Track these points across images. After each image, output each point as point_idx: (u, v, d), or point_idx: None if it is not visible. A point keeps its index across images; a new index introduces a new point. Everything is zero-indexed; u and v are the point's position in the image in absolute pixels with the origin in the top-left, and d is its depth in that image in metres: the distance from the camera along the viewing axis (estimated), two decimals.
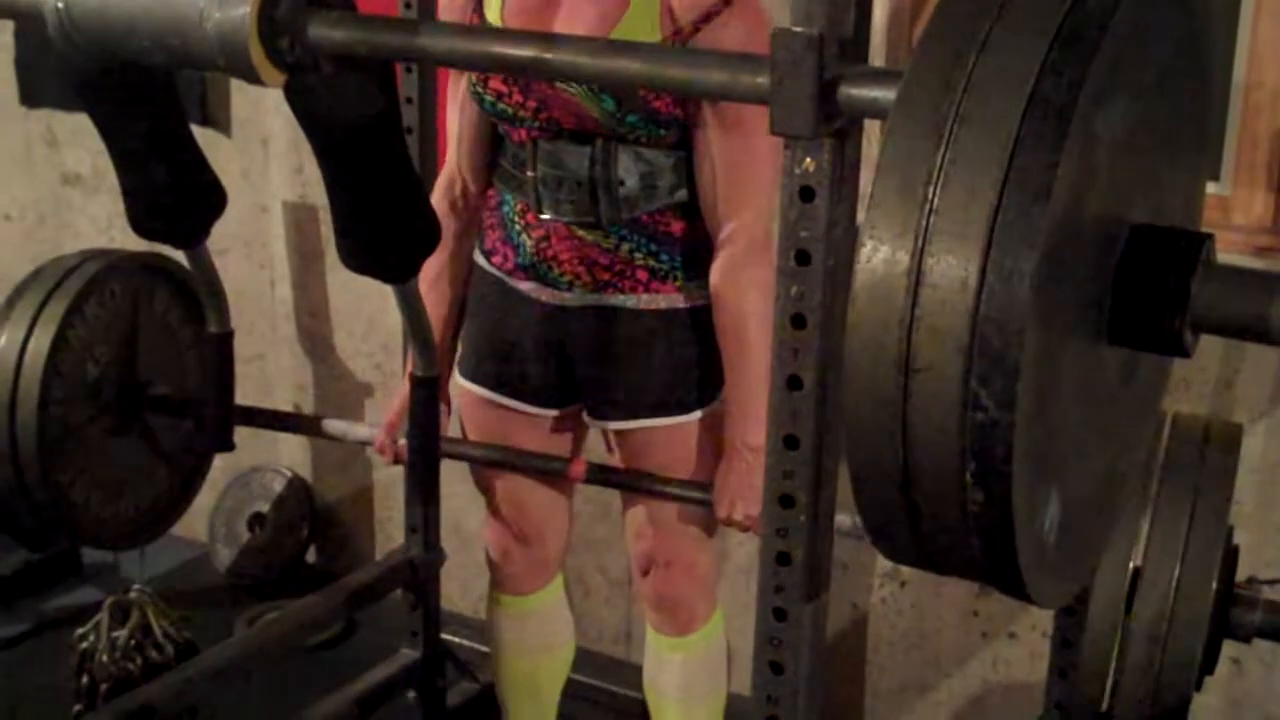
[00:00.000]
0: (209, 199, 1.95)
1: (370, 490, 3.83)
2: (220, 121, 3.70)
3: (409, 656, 3.10)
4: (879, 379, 1.17)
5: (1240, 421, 1.98)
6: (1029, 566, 1.22)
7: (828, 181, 1.44)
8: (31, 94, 3.91)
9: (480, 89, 2.17)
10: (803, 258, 1.48)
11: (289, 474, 3.83)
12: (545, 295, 2.32)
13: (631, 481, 2.41)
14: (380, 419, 3.67)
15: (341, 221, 1.79)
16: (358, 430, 2.71)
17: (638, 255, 2.23)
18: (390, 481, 3.72)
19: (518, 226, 2.27)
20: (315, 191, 3.64)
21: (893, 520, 1.24)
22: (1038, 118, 1.12)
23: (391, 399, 2.64)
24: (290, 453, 3.87)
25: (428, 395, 1.99)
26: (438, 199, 2.35)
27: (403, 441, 2.52)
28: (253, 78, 1.63)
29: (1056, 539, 1.28)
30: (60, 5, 1.70)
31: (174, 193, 1.88)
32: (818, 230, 1.46)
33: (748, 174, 2.15)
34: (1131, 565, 1.85)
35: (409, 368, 2.45)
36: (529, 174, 2.21)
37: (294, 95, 1.66)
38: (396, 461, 2.57)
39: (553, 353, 2.36)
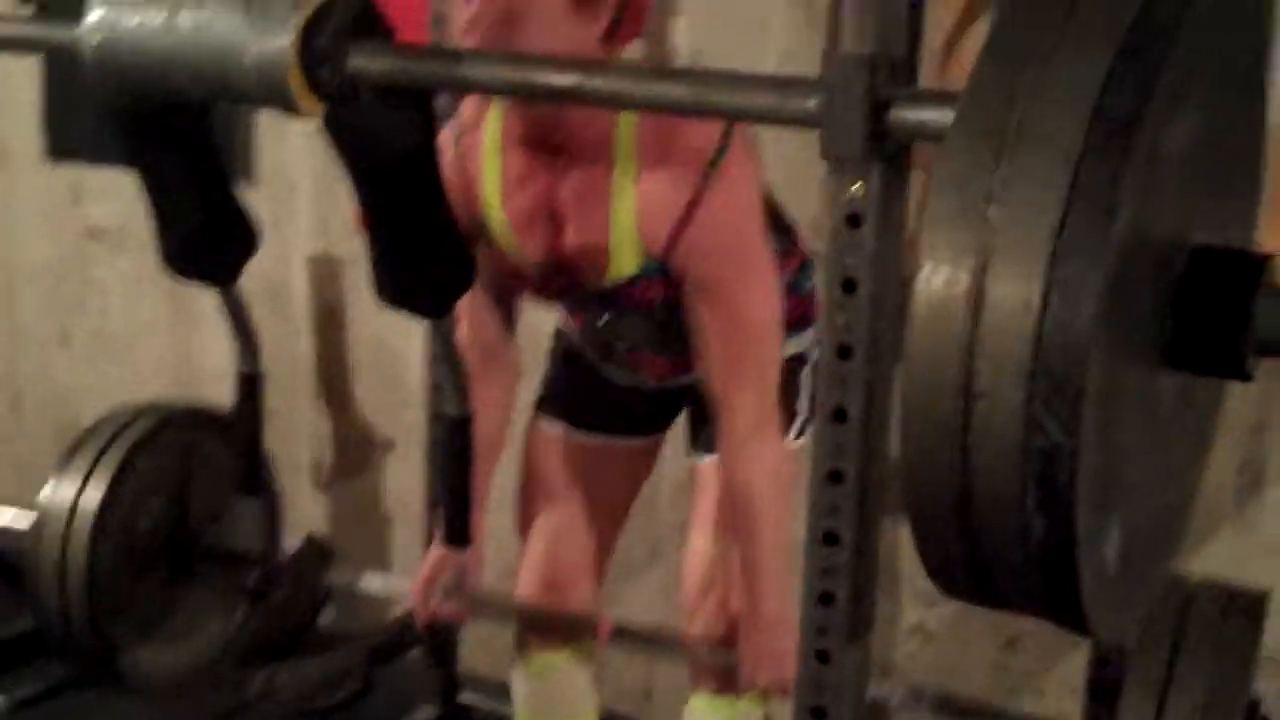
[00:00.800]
0: (243, 238, 1.93)
1: (389, 549, 3.80)
2: (246, 172, 3.70)
3: (427, 717, 3.06)
4: (938, 405, 1.14)
5: (1266, 589, 1.90)
6: (1091, 597, 1.18)
7: (875, 208, 1.41)
8: (58, 148, 3.91)
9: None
10: (849, 286, 1.44)
11: (306, 532, 3.78)
12: (625, 380, 2.40)
13: (658, 642, 2.42)
14: (400, 480, 3.70)
15: (377, 253, 1.77)
16: (393, 584, 2.72)
17: None
18: (410, 542, 3.69)
19: (578, 338, 2.35)
20: (339, 244, 3.64)
21: (950, 552, 1.21)
22: (1102, 132, 1.10)
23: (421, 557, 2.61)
24: (306, 507, 3.83)
25: (461, 438, 1.96)
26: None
27: (435, 601, 2.49)
28: (291, 109, 1.61)
29: (1117, 569, 1.24)
30: (97, 42, 1.68)
31: (208, 231, 1.87)
32: (864, 258, 1.43)
33: (744, 353, 2.09)
34: None
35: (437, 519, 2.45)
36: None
37: (333, 126, 1.64)
38: (434, 622, 2.55)
39: (652, 395, 2.41)
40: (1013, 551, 1.16)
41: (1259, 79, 1.40)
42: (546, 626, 2.56)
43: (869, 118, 1.35)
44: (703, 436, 2.38)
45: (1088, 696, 2.36)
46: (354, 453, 3.76)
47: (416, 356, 3.52)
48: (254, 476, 2.22)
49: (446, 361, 1.88)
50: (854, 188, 1.41)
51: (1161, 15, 1.11)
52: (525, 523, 2.53)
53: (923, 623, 3.17)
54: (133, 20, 1.66)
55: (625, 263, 2.02)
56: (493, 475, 2.48)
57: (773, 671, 2.22)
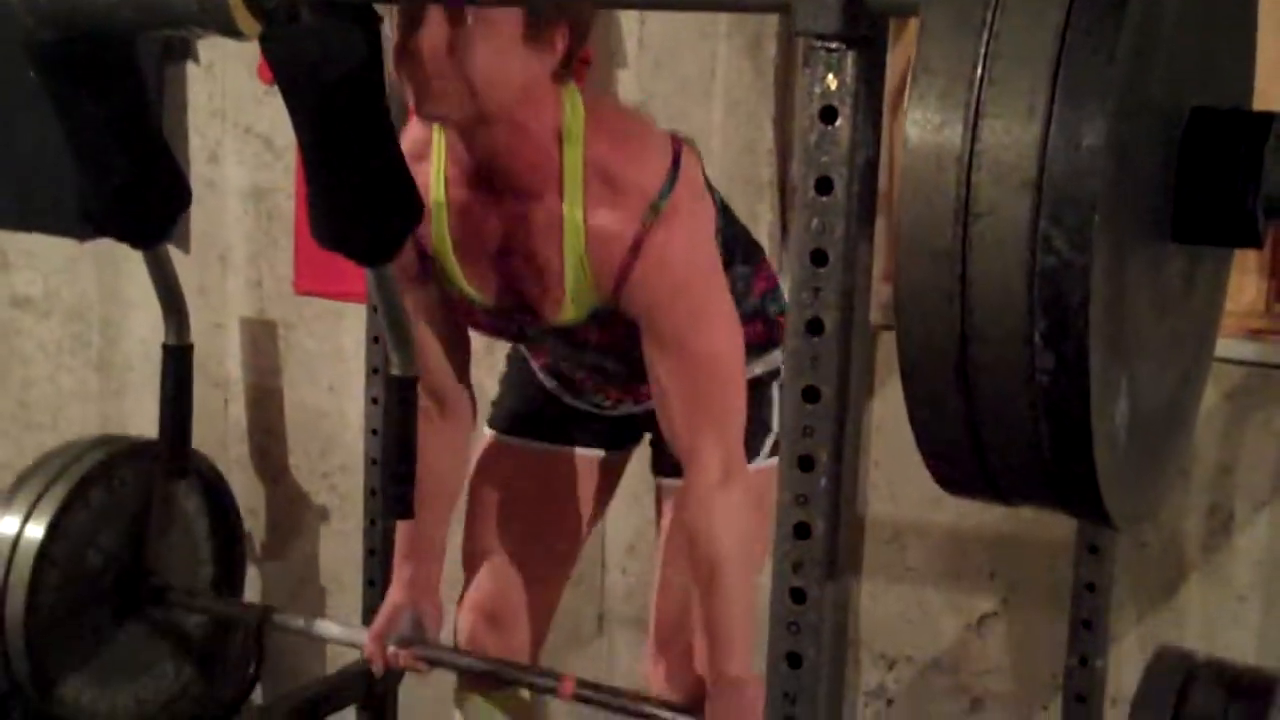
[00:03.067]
0: (173, 192, 1.82)
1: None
2: (178, 237, 3.59)
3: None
4: (934, 231, 1.04)
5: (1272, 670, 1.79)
6: (1104, 463, 1.08)
7: (851, 99, 1.33)
8: None
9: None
10: (824, 186, 1.35)
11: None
12: (585, 406, 2.30)
13: (624, 703, 2.28)
14: (335, 551, 3.54)
15: (316, 189, 1.66)
16: (349, 634, 2.58)
17: None
18: (347, 614, 3.52)
19: (539, 369, 2.28)
20: (274, 306, 3.53)
21: (946, 412, 1.10)
22: None
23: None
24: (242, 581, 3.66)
25: (406, 398, 1.84)
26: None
27: (392, 649, 2.37)
28: (229, 29, 1.52)
29: (1127, 442, 1.14)
30: None
31: (134, 183, 1.75)
32: (840, 154, 1.33)
33: (702, 400, 1.98)
34: None
35: (401, 560, 2.35)
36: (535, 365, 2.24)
37: (272, 46, 1.55)
38: (388, 669, 2.42)
39: (603, 426, 2.34)
40: (1017, 402, 1.06)
41: None
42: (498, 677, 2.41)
43: None
44: (668, 458, 2.26)
45: None
46: (288, 523, 3.60)
47: (354, 422, 3.40)
48: (176, 457, 2.07)
49: (389, 316, 1.76)
50: (827, 79, 1.33)
51: None
52: (469, 547, 2.40)
53: (882, 686, 3.04)
54: None
55: (582, 302, 1.94)
56: (448, 523, 2.36)
57: None
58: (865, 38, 1.32)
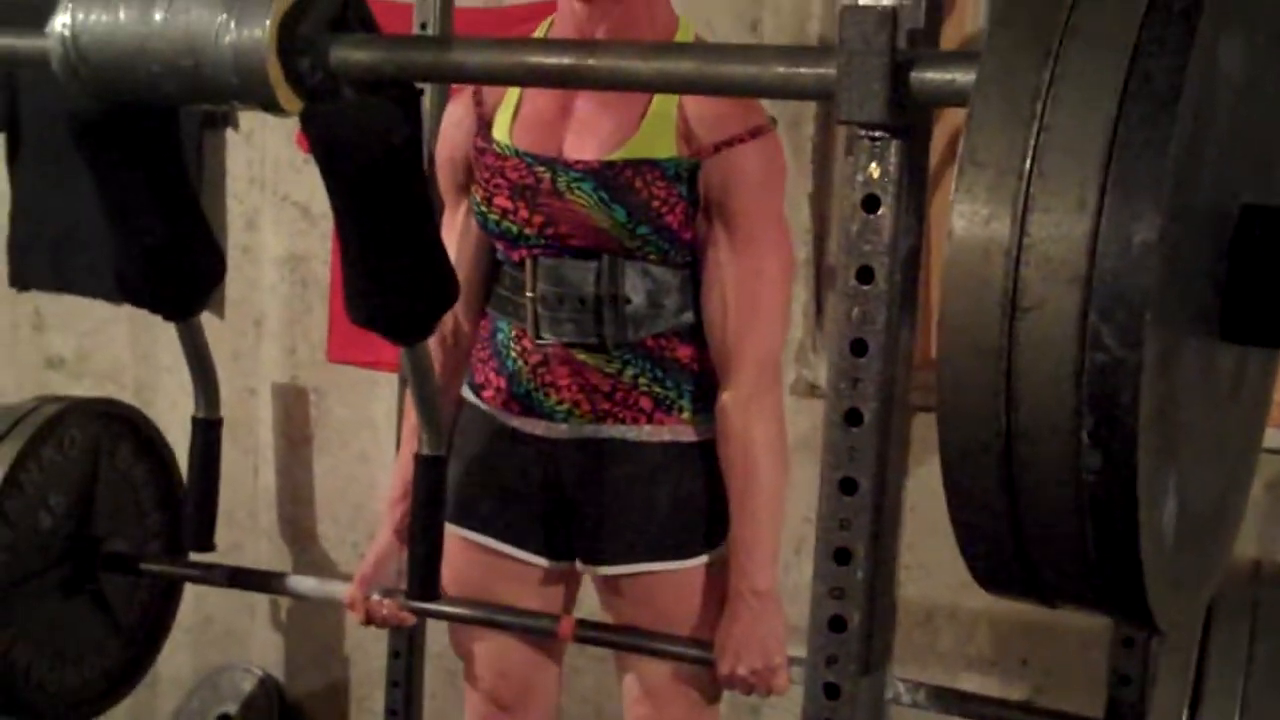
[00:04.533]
0: (208, 264, 1.81)
1: (346, 686, 3.60)
2: (214, 303, 3.60)
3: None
4: (980, 325, 1.02)
5: None
6: (1150, 565, 1.05)
7: (894, 188, 1.31)
8: (21, 275, 3.82)
9: (484, 207, 2.07)
10: (865, 275, 1.33)
11: (259, 673, 3.59)
12: (539, 429, 2.15)
13: (625, 640, 2.20)
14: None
15: (353, 267, 1.65)
16: (329, 587, 2.50)
17: (641, 381, 2.08)
18: (368, 678, 3.49)
19: (513, 353, 2.12)
20: (307, 373, 3.52)
21: (988, 510, 1.07)
22: (1158, 23, 1.00)
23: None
24: (262, 650, 3.64)
25: (434, 479, 1.82)
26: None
27: (375, 598, 2.31)
28: (270, 104, 1.51)
29: (1175, 543, 1.11)
30: (67, 32, 1.59)
31: (170, 253, 1.74)
32: (882, 244, 1.32)
33: (759, 298, 2.05)
34: None
35: (393, 502, 2.28)
36: (528, 295, 2.08)
37: (313, 123, 1.54)
38: (368, 621, 2.36)
39: (548, 494, 2.18)
40: (1062, 500, 1.03)
41: None
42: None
43: (890, 77, 1.26)
44: (602, 540, 2.18)
45: None
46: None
47: (383, 491, 3.38)
48: (203, 532, 2.05)
49: (420, 394, 1.75)
50: (870, 167, 1.32)
51: None
52: (459, 642, 2.35)
53: None
54: (104, 16, 1.58)
55: (652, 144, 2.00)
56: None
57: (758, 658, 2.05)
58: (909, 127, 1.31)
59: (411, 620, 2.33)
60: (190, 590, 2.88)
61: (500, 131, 2.07)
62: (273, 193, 3.46)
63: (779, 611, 2.08)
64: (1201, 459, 1.17)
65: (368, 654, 3.50)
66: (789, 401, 2.53)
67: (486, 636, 2.29)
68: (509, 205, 2.05)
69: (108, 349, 3.76)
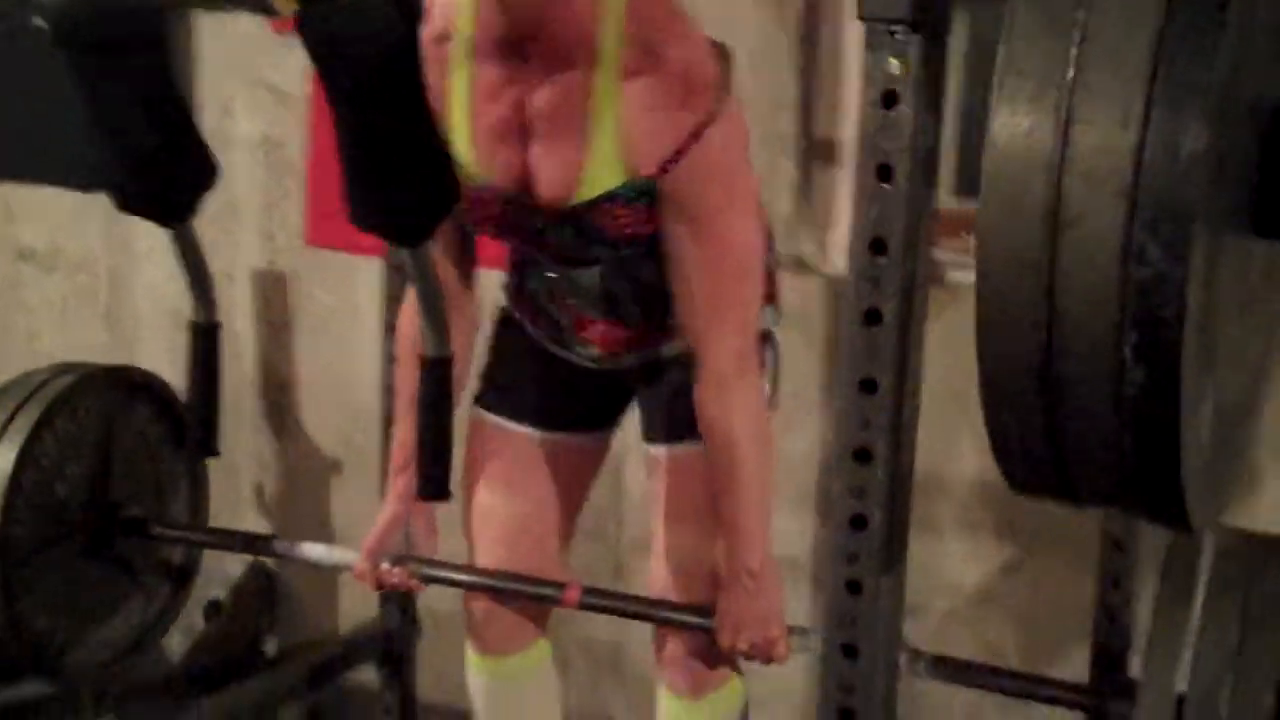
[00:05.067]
0: (199, 169, 1.78)
1: (335, 579, 3.60)
2: None
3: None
4: (1021, 238, 1.01)
5: None
6: (1188, 470, 1.05)
7: (914, 85, 1.29)
8: None
9: (471, 227, 2.05)
10: (884, 174, 1.32)
11: (249, 558, 3.59)
12: (582, 361, 2.20)
13: (629, 607, 2.26)
14: (347, 502, 3.52)
15: (352, 170, 1.61)
16: (336, 554, 2.50)
17: (668, 323, 2.10)
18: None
19: (547, 305, 2.16)
20: (285, 258, 3.47)
21: (1027, 422, 1.07)
22: None
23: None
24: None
25: (441, 380, 1.81)
26: (407, 318, 2.18)
27: (385, 566, 2.32)
28: (265, 7, 1.47)
29: (1210, 448, 1.11)
30: None
31: (160, 159, 1.71)
32: (902, 141, 1.31)
33: (728, 288, 1.99)
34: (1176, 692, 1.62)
35: (396, 470, 2.27)
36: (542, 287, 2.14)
37: (309, 24, 1.50)
38: (380, 588, 2.37)
39: (599, 382, 2.23)
40: (1102, 411, 1.03)
41: None
42: (501, 626, 2.38)
43: None
44: (657, 425, 2.23)
45: None
46: (300, 477, 3.57)
47: (367, 377, 3.36)
48: (206, 438, 2.04)
49: (425, 298, 1.73)
50: (890, 62, 1.29)
51: None
52: (469, 519, 2.37)
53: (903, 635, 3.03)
54: None
55: (601, 179, 1.90)
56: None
57: (756, 632, 2.07)
58: (931, 22, 1.28)
59: (422, 588, 2.33)
60: None
61: (461, 142, 1.98)
62: (245, 76, 3.38)
63: (776, 586, 2.10)
64: (1234, 360, 1.17)
65: (357, 538, 3.51)
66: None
67: (498, 519, 2.29)
68: (498, 236, 2.05)
69: (80, 240, 3.70)
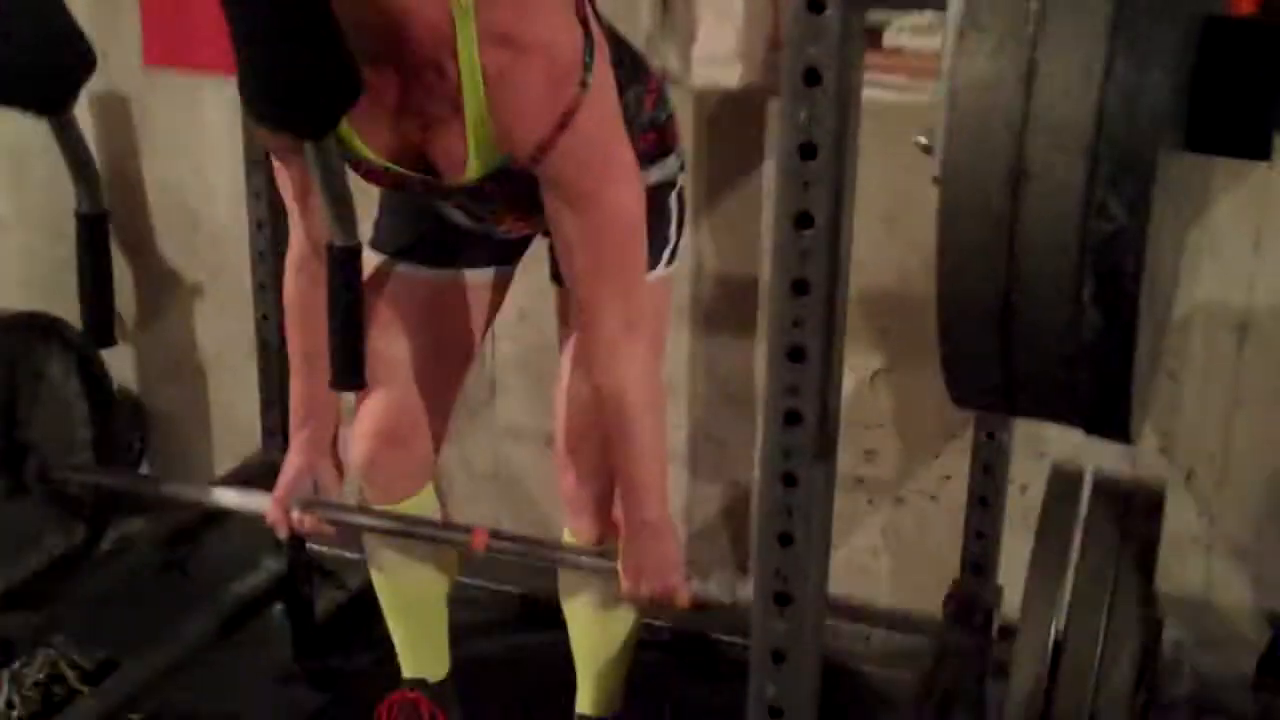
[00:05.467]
0: (76, 57, 1.69)
1: (204, 402, 3.57)
2: None
3: (272, 568, 2.90)
4: (984, 190, 1.02)
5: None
6: (1134, 396, 1.09)
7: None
8: None
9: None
10: (812, 77, 1.30)
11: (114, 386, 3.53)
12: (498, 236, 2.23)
13: (535, 551, 2.30)
14: (213, 327, 3.46)
15: (245, 64, 1.55)
16: (249, 500, 2.45)
17: None
18: (227, 393, 3.47)
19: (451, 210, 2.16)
20: (123, 80, 3.32)
21: (981, 357, 1.10)
22: None
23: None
24: (109, 360, 3.57)
25: (349, 268, 1.78)
26: (291, 277, 2.16)
27: (296, 513, 2.31)
28: None
29: (1142, 368, 1.15)
30: None
31: (36, 48, 1.62)
32: (830, 44, 1.29)
33: (611, 258, 1.99)
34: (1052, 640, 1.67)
35: (295, 427, 2.29)
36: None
37: None
38: (293, 535, 2.37)
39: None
40: (1059, 352, 1.06)
41: None
42: (388, 480, 2.40)
43: None
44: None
45: None
46: (159, 300, 3.50)
47: (221, 198, 3.28)
48: (102, 329, 1.98)
49: (328, 189, 1.68)
50: None
51: None
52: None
53: None
54: None
55: (486, 162, 1.90)
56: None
57: (657, 579, 2.14)
58: None
59: (333, 532, 2.34)
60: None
61: (344, 125, 1.91)
62: None
63: (671, 536, 2.15)
64: (1161, 275, 1.21)
65: (222, 361, 3.47)
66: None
67: (391, 367, 2.27)
68: (393, 190, 2.04)
69: None
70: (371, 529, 2.32)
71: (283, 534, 2.35)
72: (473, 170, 1.90)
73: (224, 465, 3.42)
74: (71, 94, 1.72)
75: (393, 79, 1.84)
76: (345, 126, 1.88)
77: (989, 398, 1.14)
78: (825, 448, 1.42)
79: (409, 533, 2.28)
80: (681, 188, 2.21)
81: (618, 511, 2.24)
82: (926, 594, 2.53)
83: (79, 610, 2.48)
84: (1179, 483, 2.68)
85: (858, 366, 2.96)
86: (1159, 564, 1.64)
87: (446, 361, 2.36)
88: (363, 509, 2.33)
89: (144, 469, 3.62)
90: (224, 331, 3.42)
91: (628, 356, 2.02)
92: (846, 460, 3.04)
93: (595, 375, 2.06)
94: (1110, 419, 1.11)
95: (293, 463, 2.33)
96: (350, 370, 1.89)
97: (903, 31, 2.56)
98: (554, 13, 1.83)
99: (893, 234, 2.78)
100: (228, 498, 2.39)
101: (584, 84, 1.82)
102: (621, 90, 1.98)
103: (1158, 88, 0.96)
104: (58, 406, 2.55)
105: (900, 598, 2.99)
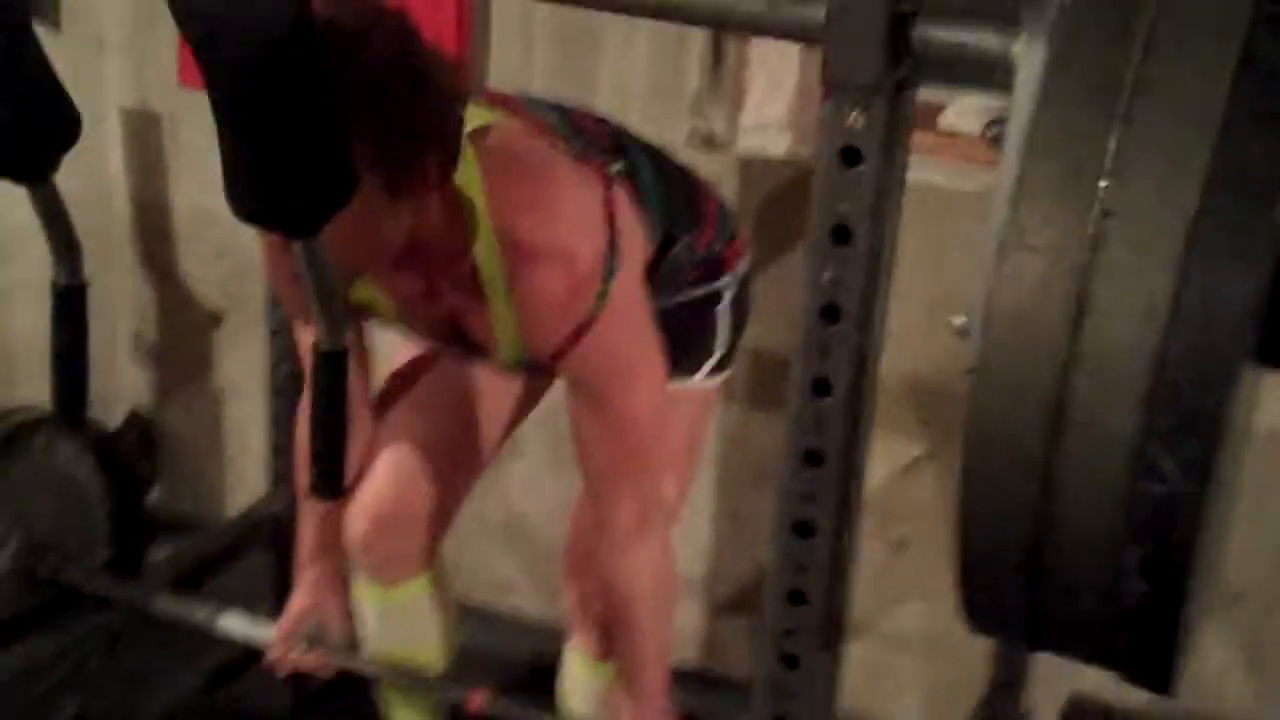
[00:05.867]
0: (61, 123, 1.58)
1: (220, 428, 3.48)
2: (47, 11, 3.25)
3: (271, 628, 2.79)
4: (1018, 429, 0.88)
5: None
6: (1181, 648, 0.95)
7: (878, 143, 1.14)
8: None
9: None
10: (841, 235, 1.18)
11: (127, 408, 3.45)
12: None
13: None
14: (231, 354, 3.37)
15: (233, 159, 1.42)
16: (255, 631, 2.33)
17: None
18: (243, 421, 3.37)
19: None
20: (158, 97, 3.23)
21: (1004, 603, 0.96)
22: (1254, 85, 0.83)
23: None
24: (127, 383, 3.48)
25: (334, 373, 1.66)
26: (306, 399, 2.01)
27: (294, 655, 2.21)
28: None
29: (1196, 616, 1.01)
30: None
31: (20, 114, 1.51)
32: (863, 203, 1.16)
33: (626, 455, 1.90)
34: None
35: (302, 565, 2.15)
36: None
37: (181, 5, 1.30)
38: (295, 676, 2.25)
39: None
40: (1094, 613, 0.92)
41: None
42: (378, 563, 2.29)
43: (887, 34, 1.07)
44: None
45: None
46: (179, 325, 3.40)
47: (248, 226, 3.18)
48: (74, 409, 1.87)
49: (316, 287, 1.55)
50: (852, 116, 1.13)
51: None
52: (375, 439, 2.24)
53: None
54: None
55: (515, 352, 1.82)
56: None
57: None
58: (900, 82, 1.12)
59: (334, 669, 2.22)
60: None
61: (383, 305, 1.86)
62: None
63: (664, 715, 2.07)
64: (1215, 523, 1.06)
65: (239, 389, 3.38)
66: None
67: (402, 454, 2.13)
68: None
69: None
70: (370, 675, 2.23)
71: (281, 674, 2.25)
72: (506, 355, 1.84)
73: (234, 491, 3.33)
74: (52, 164, 1.61)
75: (420, 273, 1.77)
76: (387, 308, 1.85)
77: (1013, 639, 1.00)
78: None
79: (409, 686, 2.20)
80: (740, 294, 2.09)
81: None
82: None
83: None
84: None
85: (893, 454, 2.83)
86: None
87: (465, 452, 2.23)
88: (364, 659, 2.22)
89: (155, 492, 3.53)
90: (241, 359, 3.32)
91: (638, 553, 1.95)
92: (876, 549, 2.92)
93: (604, 564, 1.99)
94: (1151, 677, 0.96)
95: (298, 604, 2.22)
96: (330, 479, 1.77)
97: (962, 116, 2.41)
98: (574, 218, 1.72)
99: (935, 320, 2.64)
100: (236, 625, 2.28)
101: (603, 295, 1.71)
102: (669, 246, 1.89)
103: (1234, 335, 0.81)
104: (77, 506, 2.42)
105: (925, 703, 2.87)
